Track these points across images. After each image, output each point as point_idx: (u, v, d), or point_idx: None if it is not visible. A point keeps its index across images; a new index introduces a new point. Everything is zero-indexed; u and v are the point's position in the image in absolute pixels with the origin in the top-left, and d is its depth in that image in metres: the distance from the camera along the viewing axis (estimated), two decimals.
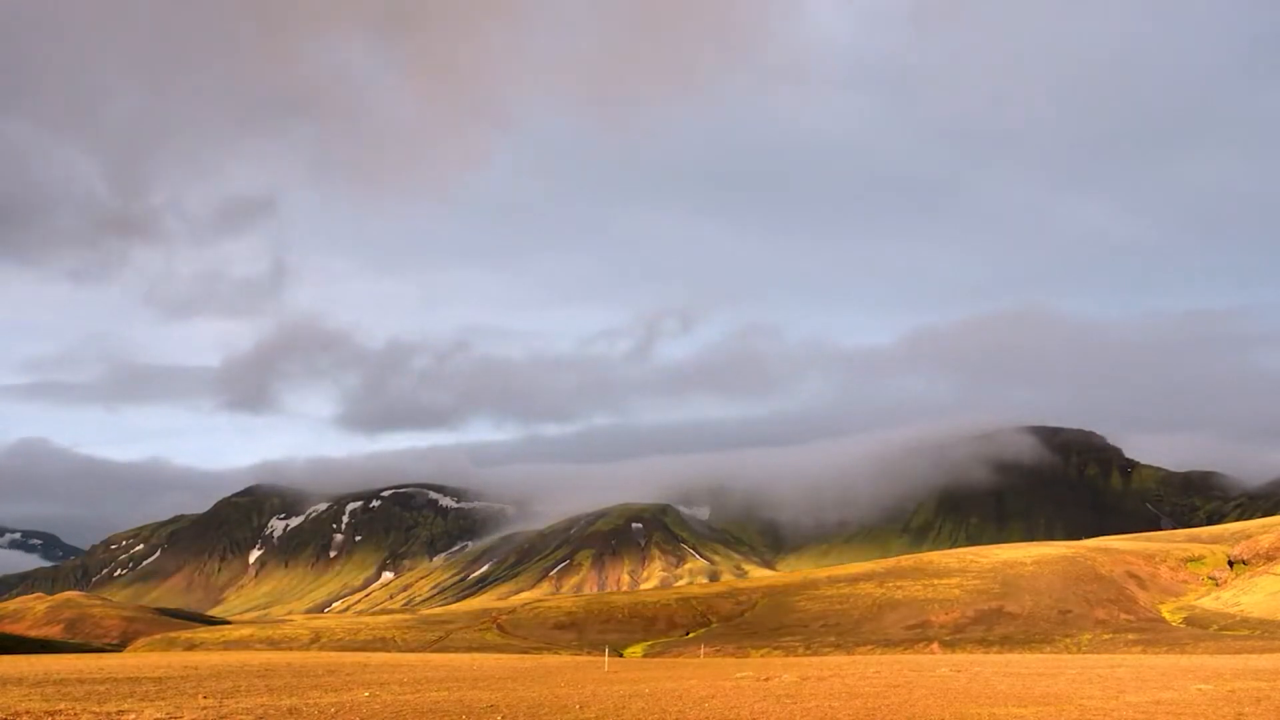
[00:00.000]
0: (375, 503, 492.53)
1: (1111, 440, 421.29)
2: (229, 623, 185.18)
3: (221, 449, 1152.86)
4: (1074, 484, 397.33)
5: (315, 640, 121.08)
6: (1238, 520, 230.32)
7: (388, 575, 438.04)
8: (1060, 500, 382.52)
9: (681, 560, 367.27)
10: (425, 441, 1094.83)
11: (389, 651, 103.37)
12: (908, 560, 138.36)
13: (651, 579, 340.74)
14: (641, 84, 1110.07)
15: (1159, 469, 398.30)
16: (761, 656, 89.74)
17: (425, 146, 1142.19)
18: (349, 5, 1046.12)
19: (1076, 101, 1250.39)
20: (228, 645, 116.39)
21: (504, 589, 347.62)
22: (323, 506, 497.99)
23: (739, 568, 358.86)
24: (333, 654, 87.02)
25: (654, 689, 39.45)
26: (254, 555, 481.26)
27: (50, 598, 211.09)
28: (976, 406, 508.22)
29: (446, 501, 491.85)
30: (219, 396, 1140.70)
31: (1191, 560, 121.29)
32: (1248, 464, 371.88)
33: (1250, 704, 32.36)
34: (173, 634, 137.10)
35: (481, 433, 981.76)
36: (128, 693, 37.54)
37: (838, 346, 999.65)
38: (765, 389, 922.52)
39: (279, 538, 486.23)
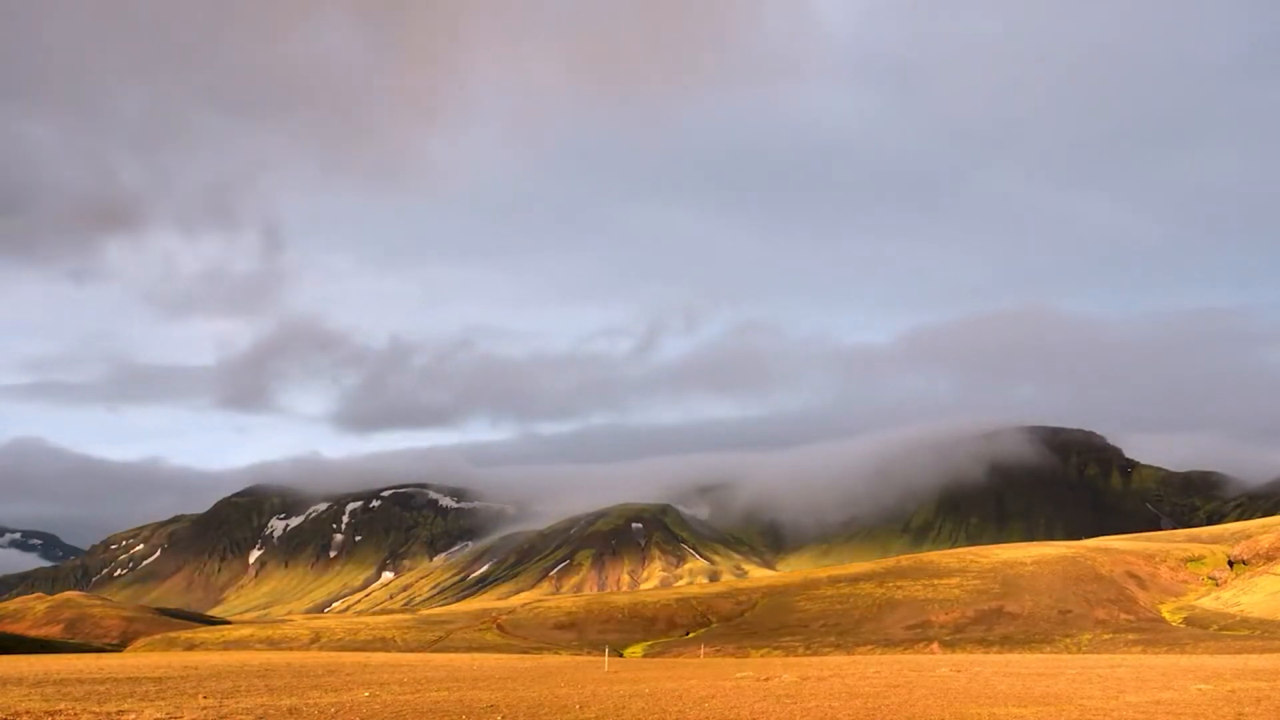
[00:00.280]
0: (375, 503, 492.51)
1: (1111, 440, 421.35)
2: (229, 623, 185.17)
3: (221, 449, 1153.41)
4: (1074, 484, 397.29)
5: (315, 640, 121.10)
6: (1238, 520, 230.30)
7: (388, 575, 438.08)
8: (1060, 500, 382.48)
9: (681, 560, 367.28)
10: (425, 441, 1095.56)
11: (389, 651, 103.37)
12: (908, 560, 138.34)
13: (651, 579, 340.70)
14: (642, 80, 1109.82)
15: (1159, 469, 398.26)
16: (761, 656, 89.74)
17: (425, 143, 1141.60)
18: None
19: (1079, 98, 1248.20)
20: (228, 645, 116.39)
21: (504, 589, 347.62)
22: (323, 506, 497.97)
23: (739, 568, 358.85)
24: (333, 654, 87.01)
25: (654, 689, 39.44)
26: (254, 555, 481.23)
27: (50, 598, 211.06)
28: (977, 406, 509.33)
29: (446, 501, 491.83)
30: (219, 396, 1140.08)
31: (1191, 560, 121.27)
32: (1248, 464, 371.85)
33: (1250, 704, 32.35)
34: (173, 634, 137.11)
35: (482, 432, 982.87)
36: (128, 693, 37.54)
37: (838, 345, 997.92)
38: (765, 388, 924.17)
39: (279, 538, 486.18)
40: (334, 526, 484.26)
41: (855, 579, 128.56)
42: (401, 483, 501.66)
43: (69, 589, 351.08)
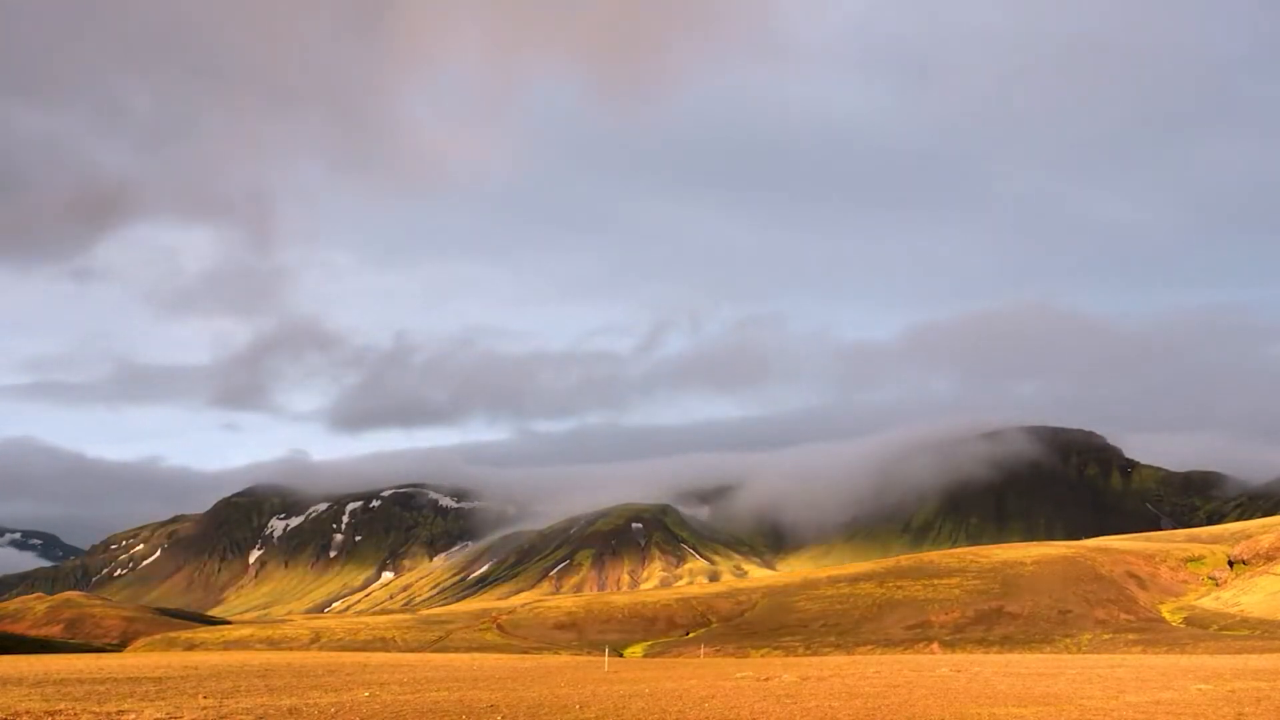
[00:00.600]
0: (375, 503, 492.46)
1: (1111, 440, 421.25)
2: (229, 623, 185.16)
3: (221, 448, 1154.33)
4: (1074, 484, 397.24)
5: (315, 640, 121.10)
6: (1238, 520, 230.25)
7: (388, 575, 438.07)
8: (1060, 500, 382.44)
9: (681, 560, 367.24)
10: (425, 440, 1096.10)
11: (389, 651, 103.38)
12: (908, 560, 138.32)
13: (651, 579, 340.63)
14: (643, 72, 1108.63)
15: (1159, 469, 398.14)
16: (761, 656, 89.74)
17: (425, 138, 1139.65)
18: None
19: (1088, 91, 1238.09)
20: (228, 645, 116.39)
21: (504, 589, 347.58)
22: (323, 506, 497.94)
23: (739, 568, 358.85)
24: (333, 654, 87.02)
25: (654, 689, 39.44)
26: (254, 555, 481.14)
27: (50, 598, 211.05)
28: (977, 405, 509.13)
29: (446, 501, 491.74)
30: (219, 396, 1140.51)
31: (1191, 560, 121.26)
32: (1248, 464, 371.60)
33: (1250, 704, 32.35)
34: (173, 634, 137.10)
35: (482, 432, 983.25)
36: (128, 693, 37.54)
37: (840, 342, 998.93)
38: (766, 385, 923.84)
39: (279, 538, 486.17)
40: (334, 526, 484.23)
41: (855, 579, 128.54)
42: (401, 483, 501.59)
43: (69, 589, 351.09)
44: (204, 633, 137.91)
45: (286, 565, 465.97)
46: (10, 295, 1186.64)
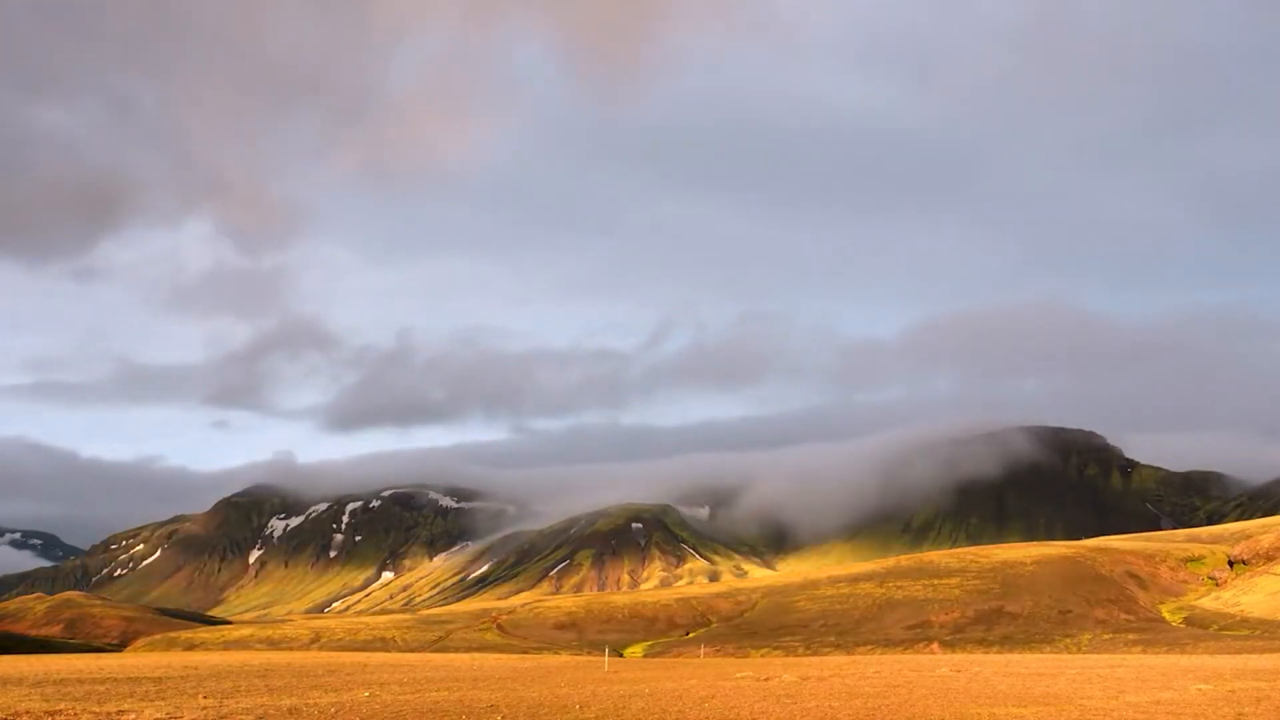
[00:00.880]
0: (375, 503, 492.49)
1: (1112, 440, 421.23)
2: (229, 623, 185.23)
3: (221, 448, 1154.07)
4: (1074, 484, 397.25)
5: (315, 640, 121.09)
6: (1238, 520, 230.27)
7: (388, 575, 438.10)
8: (1060, 500, 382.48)
9: (681, 560, 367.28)
10: (425, 439, 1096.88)
11: (389, 651, 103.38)
12: (908, 560, 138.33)
13: (651, 579, 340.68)
14: (644, 64, 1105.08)
15: (1159, 469, 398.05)
16: (761, 656, 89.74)
17: (424, 136, 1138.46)
18: None
19: (1096, 84, 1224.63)
20: (228, 645, 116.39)
21: (504, 589, 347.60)
22: (323, 506, 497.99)
23: (739, 568, 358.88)
24: (333, 654, 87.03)
25: (654, 689, 39.44)
26: (254, 555, 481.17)
27: (50, 598, 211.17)
28: (978, 405, 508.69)
29: (446, 501, 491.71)
30: (219, 396, 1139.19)
31: (1191, 560, 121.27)
32: (1248, 464, 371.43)
33: (1250, 704, 32.34)
34: (173, 634, 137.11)
35: (482, 432, 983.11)
36: (128, 693, 37.54)
37: (842, 340, 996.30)
38: (767, 384, 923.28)
39: (279, 538, 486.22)
40: (334, 526, 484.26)
41: (855, 579, 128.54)
42: (401, 483, 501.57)
43: (69, 589, 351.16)
44: (204, 633, 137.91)
45: (286, 565, 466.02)
46: (11, 295, 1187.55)
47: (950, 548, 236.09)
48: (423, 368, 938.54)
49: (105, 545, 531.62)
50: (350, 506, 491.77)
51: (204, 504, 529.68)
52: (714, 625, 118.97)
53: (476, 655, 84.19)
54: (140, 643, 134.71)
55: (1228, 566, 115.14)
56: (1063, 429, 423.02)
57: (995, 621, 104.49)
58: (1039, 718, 29.76)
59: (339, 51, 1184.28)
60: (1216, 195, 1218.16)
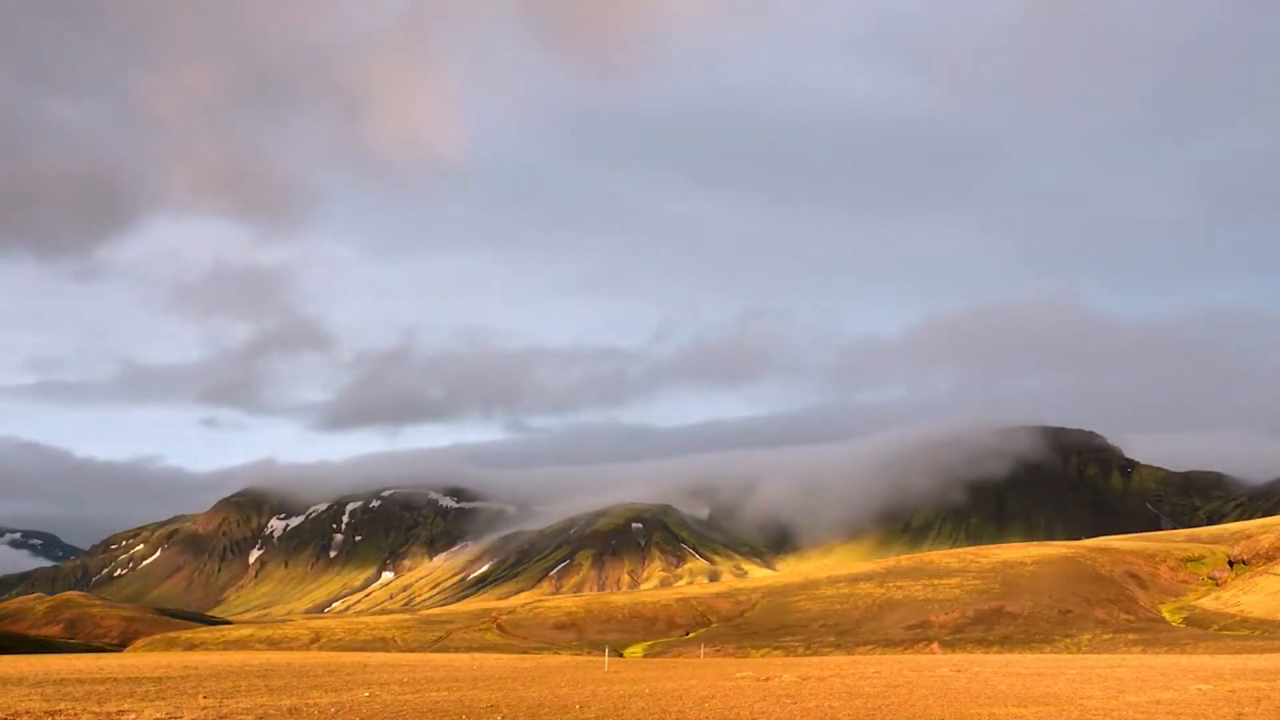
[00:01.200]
0: (375, 503, 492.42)
1: (1112, 440, 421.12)
2: (229, 623, 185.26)
3: (221, 448, 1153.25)
4: (1074, 484, 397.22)
5: (315, 640, 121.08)
6: (1238, 520, 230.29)
7: (388, 575, 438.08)
8: (1060, 500, 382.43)
9: (681, 560, 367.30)
10: (425, 438, 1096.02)
11: (389, 651, 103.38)
12: (908, 560, 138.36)
13: (651, 579, 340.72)
14: (643, 64, 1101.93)
15: (1159, 469, 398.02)
16: (761, 656, 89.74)
17: (424, 133, 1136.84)
18: None
19: (1103, 79, 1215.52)
20: (228, 645, 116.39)
21: (504, 589, 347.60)
22: (322, 506, 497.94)
23: (739, 568, 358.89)
24: (332, 654, 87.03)
25: (654, 689, 39.44)
26: (254, 555, 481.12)
27: (50, 598, 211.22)
28: (978, 403, 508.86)
29: (446, 501, 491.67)
30: (219, 395, 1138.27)
31: (1191, 560, 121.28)
32: (1248, 464, 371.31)
33: (1250, 704, 32.35)
34: (173, 634, 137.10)
35: (482, 432, 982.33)
36: (128, 693, 37.55)
37: (844, 338, 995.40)
38: (768, 382, 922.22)
39: (279, 538, 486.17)
40: (334, 526, 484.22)
41: (855, 579, 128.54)
42: (401, 483, 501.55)
43: (69, 589, 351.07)
44: (204, 633, 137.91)
45: (286, 565, 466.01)
46: (12, 295, 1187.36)
47: (950, 548, 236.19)
48: (423, 367, 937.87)
49: (105, 545, 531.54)
50: (350, 506, 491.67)
51: (204, 504, 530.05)
52: (714, 625, 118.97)
53: (476, 655, 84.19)
54: (140, 643, 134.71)
55: (1228, 566, 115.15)
56: (1063, 429, 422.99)
57: (995, 621, 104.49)
58: (1039, 718, 29.76)
59: (340, 51, 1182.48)
60: (1219, 194, 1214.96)
